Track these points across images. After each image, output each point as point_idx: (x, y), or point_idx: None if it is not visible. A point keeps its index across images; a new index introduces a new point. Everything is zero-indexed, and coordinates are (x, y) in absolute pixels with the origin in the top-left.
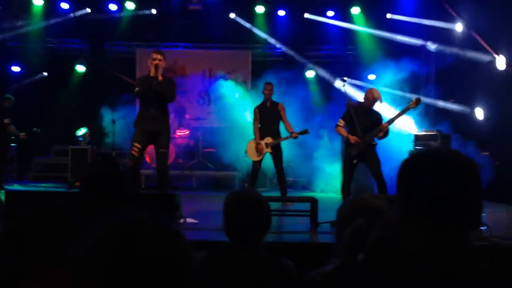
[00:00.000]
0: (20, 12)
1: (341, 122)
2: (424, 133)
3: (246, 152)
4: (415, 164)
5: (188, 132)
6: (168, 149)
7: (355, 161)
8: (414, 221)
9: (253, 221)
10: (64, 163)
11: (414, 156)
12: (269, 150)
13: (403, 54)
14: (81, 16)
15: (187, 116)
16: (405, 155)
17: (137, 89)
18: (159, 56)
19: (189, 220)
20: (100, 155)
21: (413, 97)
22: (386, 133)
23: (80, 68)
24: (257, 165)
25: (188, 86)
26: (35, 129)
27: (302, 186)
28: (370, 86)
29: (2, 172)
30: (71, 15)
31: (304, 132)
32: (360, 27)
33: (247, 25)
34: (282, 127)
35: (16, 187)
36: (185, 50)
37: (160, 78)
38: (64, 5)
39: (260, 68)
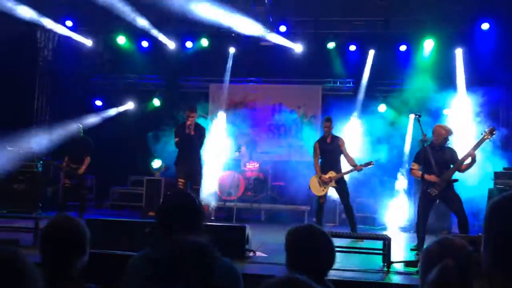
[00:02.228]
0: (105, 48)
1: (414, 166)
2: (505, 171)
3: (309, 187)
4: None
5: (257, 165)
6: (200, 186)
7: (437, 201)
8: (503, 270)
9: (315, 257)
10: (139, 193)
11: (507, 198)
12: (333, 184)
13: (480, 84)
14: (159, 53)
15: (258, 149)
16: (484, 193)
17: (176, 140)
18: (192, 114)
19: (258, 253)
20: (172, 186)
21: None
22: (473, 160)
23: (156, 102)
24: (321, 199)
25: (258, 120)
26: None
27: (370, 222)
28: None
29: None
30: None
31: (368, 164)
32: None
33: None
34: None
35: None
36: (256, 85)
37: (193, 133)
38: (144, 43)
39: (330, 103)
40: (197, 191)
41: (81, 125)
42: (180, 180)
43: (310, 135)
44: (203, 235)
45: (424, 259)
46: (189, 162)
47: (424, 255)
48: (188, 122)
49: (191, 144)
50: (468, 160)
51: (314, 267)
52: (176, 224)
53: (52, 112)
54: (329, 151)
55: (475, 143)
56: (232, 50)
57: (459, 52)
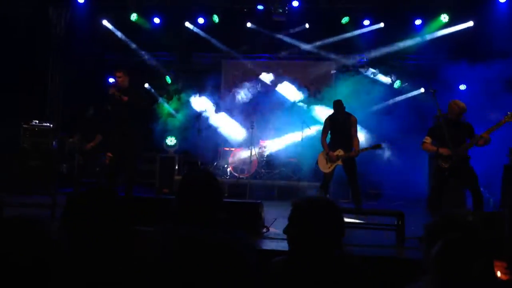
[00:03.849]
0: (117, 25)
1: (427, 139)
2: None
3: (317, 163)
4: None
5: (270, 141)
6: (134, 162)
7: (446, 173)
8: None
9: (319, 229)
10: (152, 170)
11: None
12: (339, 162)
13: (496, 57)
14: (171, 29)
15: (270, 126)
16: (498, 168)
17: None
18: (119, 73)
19: (272, 229)
20: (187, 163)
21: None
22: (487, 140)
23: (168, 79)
24: (328, 176)
25: (271, 97)
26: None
27: (384, 198)
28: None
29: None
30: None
31: (377, 146)
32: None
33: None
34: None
35: None
36: (268, 61)
37: (125, 98)
38: (156, 20)
39: (343, 79)
40: (131, 168)
41: (92, 104)
42: (108, 154)
43: (322, 112)
44: (221, 211)
45: (427, 234)
46: (121, 134)
47: (427, 229)
48: (118, 83)
49: (122, 110)
50: (482, 141)
51: (318, 240)
52: (196, 200)
53: (65, 89)
54: (340, 128)
55: (493, 125)
56: (248, 24)
57: (470, 25)
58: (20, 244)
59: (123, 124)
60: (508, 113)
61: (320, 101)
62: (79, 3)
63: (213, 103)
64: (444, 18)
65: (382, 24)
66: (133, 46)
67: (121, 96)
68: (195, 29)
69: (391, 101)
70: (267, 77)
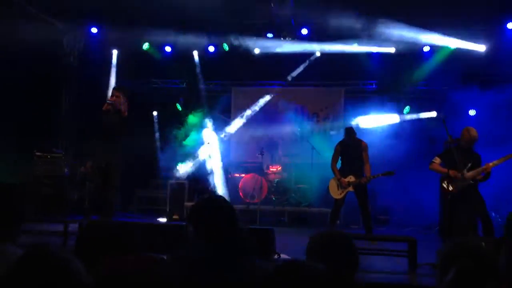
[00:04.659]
0: (129, 54)
1: (436, 160)
2: None
3: (328, 189)
4: None
5: (280, 168)
6: (117, 183)
7: (449, 197)
8: None
9: (335, 263)
10: (162, 197)
11: None
12: (350, 189)
13: (506, 83)
14: (181, 57)
15: (279, 152)
16: (509, 193)
17: None
18: (117, 93)
19: (283, 256)
20: (197, 190)
21: None
22: (487, 174)
23: (179, 107)
24: (339, 202)
25: (280, 123)
26: None
27: (393, 224)
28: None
29: None
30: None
31: (389, 173)
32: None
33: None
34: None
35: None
36: (278, 88)
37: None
38: (168, 48)
39: (353, 105)
40: (115, 189)
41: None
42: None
43: (332, 138)
44: (235, 237)
45: (441, 260)
46: (107, 152)
47: (441, 255)
48: (111, 100)
49: (112, 129)
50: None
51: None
52: (209, 226)
53: (78, 117)
54: (351, 154)
55: (499, 159)
56: (257, 50)
57: (481, 49)
58: (39, 276)
59: (113, 139)
60: None
61: (329, 128)
62: (92, 32)
63: (223, 129)
64: (453, 45)
65: (393, 49)
66: (145, 73)
67: (125, 96)
68: (205, 57)
69: (400, 126)
70: None
